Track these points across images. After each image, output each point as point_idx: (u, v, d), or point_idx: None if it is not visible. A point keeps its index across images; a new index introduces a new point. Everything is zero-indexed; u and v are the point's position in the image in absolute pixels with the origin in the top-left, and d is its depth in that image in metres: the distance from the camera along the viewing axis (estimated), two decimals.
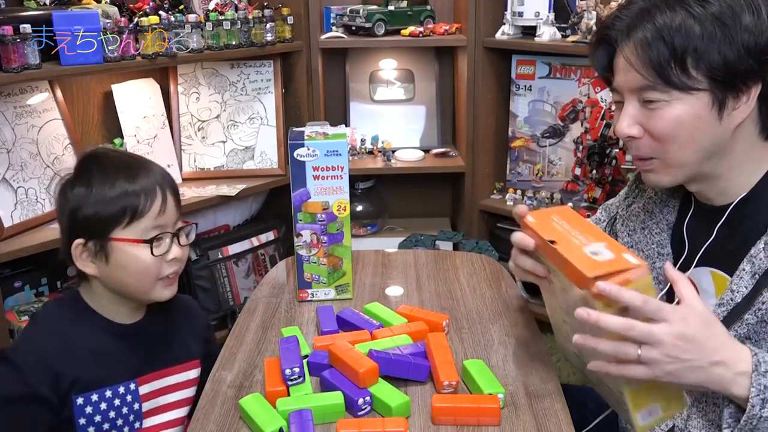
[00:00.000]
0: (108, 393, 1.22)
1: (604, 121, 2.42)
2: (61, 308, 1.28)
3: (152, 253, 1.21)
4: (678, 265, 1.18)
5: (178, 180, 2.42)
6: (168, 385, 1.32)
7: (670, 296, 1.20)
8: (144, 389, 1.28)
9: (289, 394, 1.13)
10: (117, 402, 1.23)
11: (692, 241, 1.16)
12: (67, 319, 1.25)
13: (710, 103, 1.02)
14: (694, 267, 1.16)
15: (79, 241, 1.21)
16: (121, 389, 1.24)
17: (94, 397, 1.21)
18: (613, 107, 1.19)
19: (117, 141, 2.33)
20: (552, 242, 0.99)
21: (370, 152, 2.72)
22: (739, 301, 1.06)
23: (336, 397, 1.10)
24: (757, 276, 1.05)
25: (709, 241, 1.12)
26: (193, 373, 1.36)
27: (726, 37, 0.98)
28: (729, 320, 1.06)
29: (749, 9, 0.99)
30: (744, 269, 1.06)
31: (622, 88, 1.09)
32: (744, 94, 1.02)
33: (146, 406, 1.28)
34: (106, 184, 1.21)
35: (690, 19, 0.99)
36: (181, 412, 1.34)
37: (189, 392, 1.35)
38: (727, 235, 1.11)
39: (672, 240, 1.21)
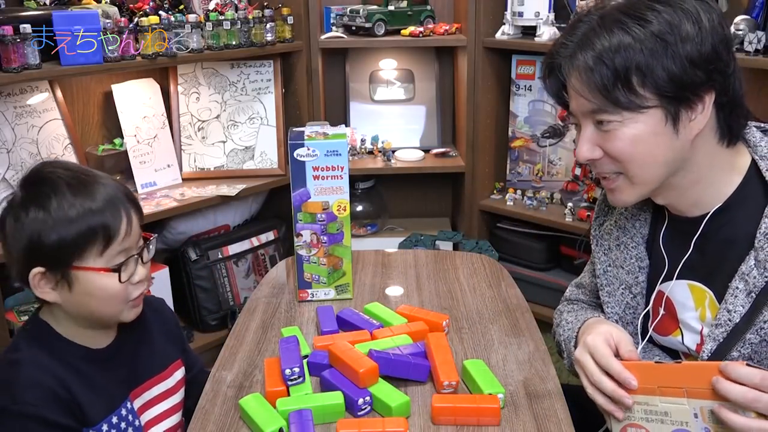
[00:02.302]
0: (114, 419, 1.18)
1: None
2: (36, 344, 1.16)
3: (120, 280, 1.14)
4: (661, 279, 1.17)
5: (178, 180, 2.43)
6: (158, 394, 1.28)
7: (654, 312, 1.19)
8: (137, 404, 1.24)
9: (289, 394, 1.13)
10: (123, 425, 1.19)
11: (669, 254, 1.15)
12: (46, 355, 1.14)
13: (664, 119, 1.01)
14: (670, 280, 1.15)
15: (38, 269, 1.11)
16: (123, 411, 1.20)
17: (105, 427, 1.16)
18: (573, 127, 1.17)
19: (117, 141, 2.33)
20: (678, 361, 1.00)
21: (370, 152, 2.72)
22: (737, 321, 1.05)
23: (336, 397, 1.10)
24: (753, 295, 1.03)
25: (688, 254, 1.12)
26: (179, 374, 1.32)
27: (668, 52, 0.98)
28: (730, 341, 1.05)
29: (689, 20, 0.99)
30: (738, 287, 1.05)
31: (576, 113, 1.08)
32: (698, 105, 1.01)
33: (143, 419, 1.25)
34: (65, 206, 1.10)
35: (629, 38, 0.98)
36: (175, 419, 1.30)
37: (178, 396, 1.31)
38: (702, 246, 1.11)
39: (648, 252, 1.20)
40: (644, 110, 1.01)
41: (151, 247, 1.21)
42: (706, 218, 1.09)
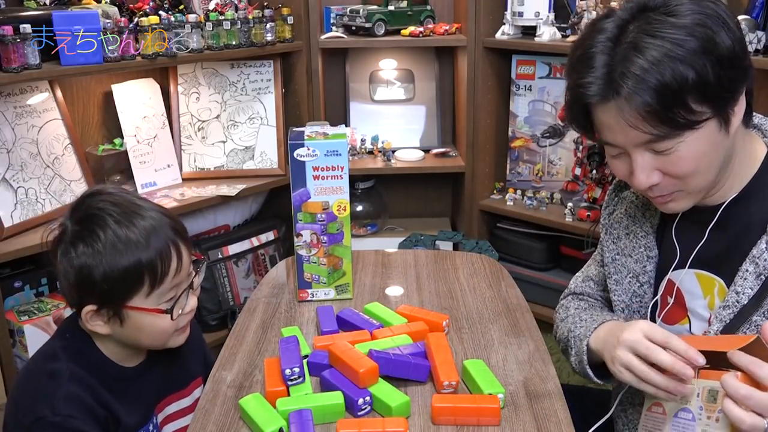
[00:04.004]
0: None
1: None
2: (76, 357, 1.17)
3: (171, 319, 1.16)
4: (672, 268, 1.17)
5: (178, 180, 2.43)
6: (177, 410, 1.30)
7: (662, 301, 1.20)
8: (159, 417, 1.26)
9: (289, 394, 1.13)
10: None
11: (680, 243, 1.16)
12: (85, 371, 1.16)
13: (718, 126, 1.00)
14: (679, 269, 1.16)
15: (91, 308, 1.13)
16: (150, 426, 1.23)
17: None
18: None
19: (117, 141, 2.33)
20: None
21: (370, 152, 2.72)
22: (745, 302, 1.06)
23: (336, 397, 1.10)
24: (762, 277, 1.04)
25: (702, 242, 1.12)
26: (198, 392, 1.33)
27: (715, 65, 0.95)
28: (736, 322, 1.06)
29: (722, 26, 0.97)
30: (747, 270, 1.06)
31: (623, 144, 1.03)
32: (738, 100, 1.02)
33: None
34: (115, 251, 1.10)
35: (677, 63, 0.94)
36: None
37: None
38: (714, 234, 1.11)
39: (658, 242, 1.20)
40: (702, 124, 0.99)
41: (201, 271, 1.23)
42: (723, 207, 1.09)
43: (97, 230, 1.12)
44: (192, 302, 1.21)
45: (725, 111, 1.00)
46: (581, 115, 1.05)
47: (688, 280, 1.15)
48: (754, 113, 1.12)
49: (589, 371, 1.19)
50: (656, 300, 1.20)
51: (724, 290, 1.11)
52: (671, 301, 1.17)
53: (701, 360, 0.97)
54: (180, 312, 1.18)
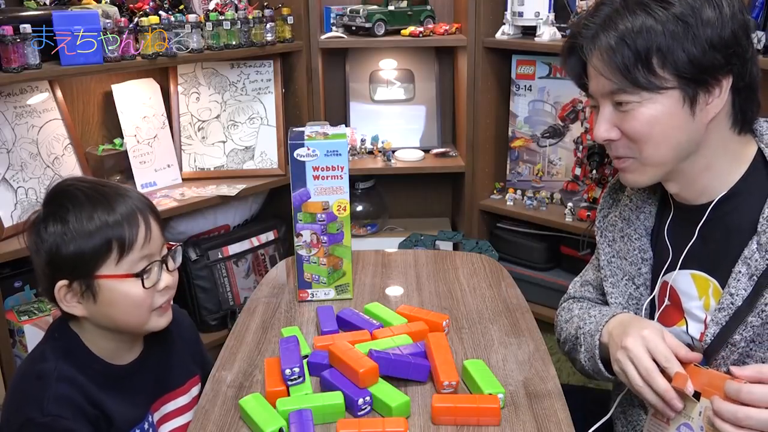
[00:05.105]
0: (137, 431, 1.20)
1: None
2: (64, 357, 1.15)
3: (143, 286, 1.14)
4: (664, 269, 1.17)
5: (177, 180, 2.43)
6: (174, 408, 1.29)
7: (659, 303, 1.19)
8: (155, 417, 1.26)
9: (289, 394, 1.13)
10: None
11: (674, 244, 1.16)
12: (75, 370, 1.14)
13: (681, 100, 1.03)
14: (673, 270, 1.16)
15: (63, 282, 1.12)
16: (146, 425, 1.22)
17: None
18: (588, 107, 1.18)
19: (117, 141, 2.33)
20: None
21: (370, 152, 2.72)
22: (740, 304, 1.06)
23: (336, 397, 1.10)
24: (755, 278, 1.04)
25: (692, 241, 1.13)
26: (195, 391, 1.33)
27: (689, 35, 1.00)
28: (732, 324, 1.06)
29: (710, 4, 1.01)
30: (740, 271, 1.06)
31: (595, 94, 1.10)
32: (715, 88, 1.03)
33: None
34: (83, 218, 1.11)
35: (651, 20, 1.01)
36: None
37: (192, 414, 1.29)
38: (707, 234, 1.12)
39: (652, 244, 1.21)
40: (663, 91, 1.03)
41: (177, 256, 1.22)
42: (711, 205, 1.10)
43: (67, 205, 1.12)
44: (167, 279, 1.18)
45: (693, 89, 1.03)
46: (576, 63, 1.12)
47: (683, 281, 1.15)
48: None
49: (601, 366, 1.18)
50: (653, 302, 1.20)
51: (718, 291, 1.11)
52: (667, 302, 1.17)
53: (690, 390, 0.99)
54: (153, 285, 1.16)
